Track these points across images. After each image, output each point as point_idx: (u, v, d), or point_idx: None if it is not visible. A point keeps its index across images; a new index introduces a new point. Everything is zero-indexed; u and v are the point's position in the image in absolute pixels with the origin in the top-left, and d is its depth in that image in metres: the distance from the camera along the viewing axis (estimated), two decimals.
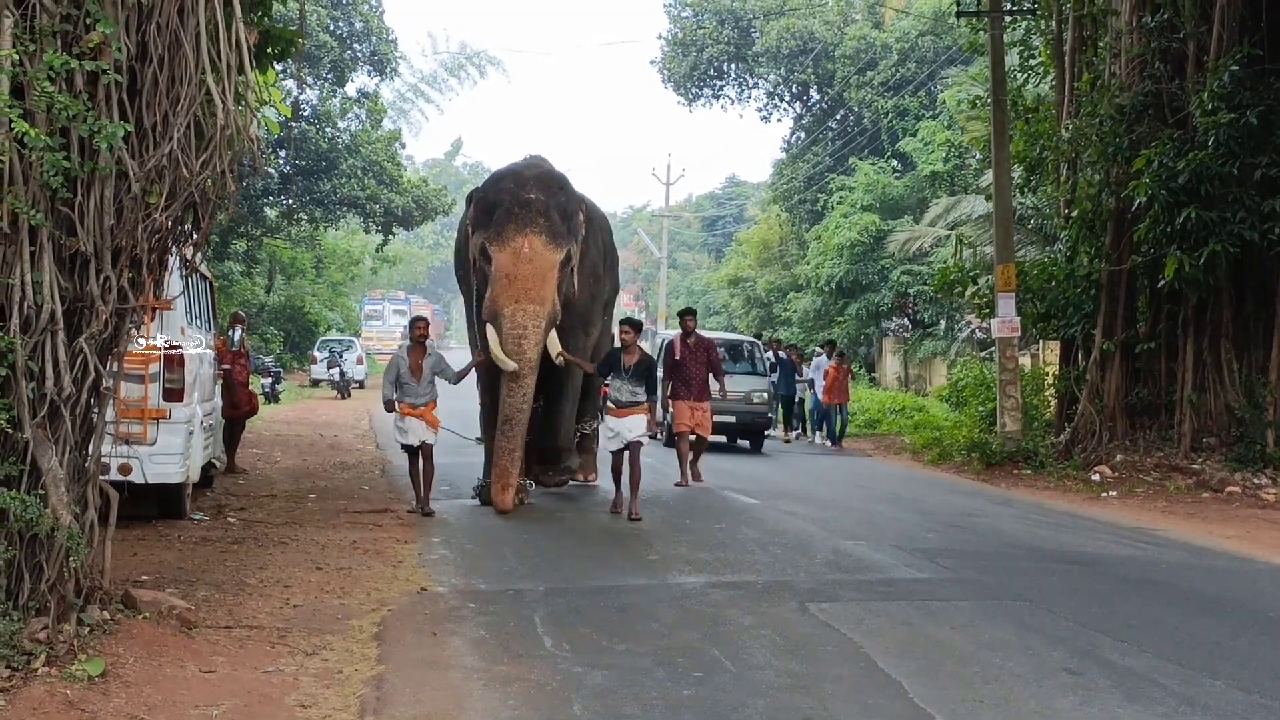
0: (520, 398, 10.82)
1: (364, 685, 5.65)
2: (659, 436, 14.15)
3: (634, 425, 10.85)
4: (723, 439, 18.83)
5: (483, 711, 5.29)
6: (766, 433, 20.35)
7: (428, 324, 11.60)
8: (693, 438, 13.78)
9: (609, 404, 11.25)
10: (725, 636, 6.61)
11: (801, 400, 22.67)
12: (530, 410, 11.02)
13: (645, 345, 13.87)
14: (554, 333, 11.12)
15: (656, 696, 5.50)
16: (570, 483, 12.75)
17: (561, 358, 11.21)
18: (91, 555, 5.93)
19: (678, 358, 13.80)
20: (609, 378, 11.22)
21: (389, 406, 11.12)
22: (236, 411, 13.90)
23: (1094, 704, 5.50)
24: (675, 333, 15.11)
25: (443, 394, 11.40)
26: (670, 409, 14.36)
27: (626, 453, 10.87)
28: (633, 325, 11.37)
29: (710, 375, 13.90)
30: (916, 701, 5.46)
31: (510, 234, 10.87)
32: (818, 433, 22.06)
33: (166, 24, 5.95)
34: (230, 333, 14.29)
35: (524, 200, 10.99)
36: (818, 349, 24.56)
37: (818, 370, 21.50)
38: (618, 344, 11.51)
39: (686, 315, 14.56)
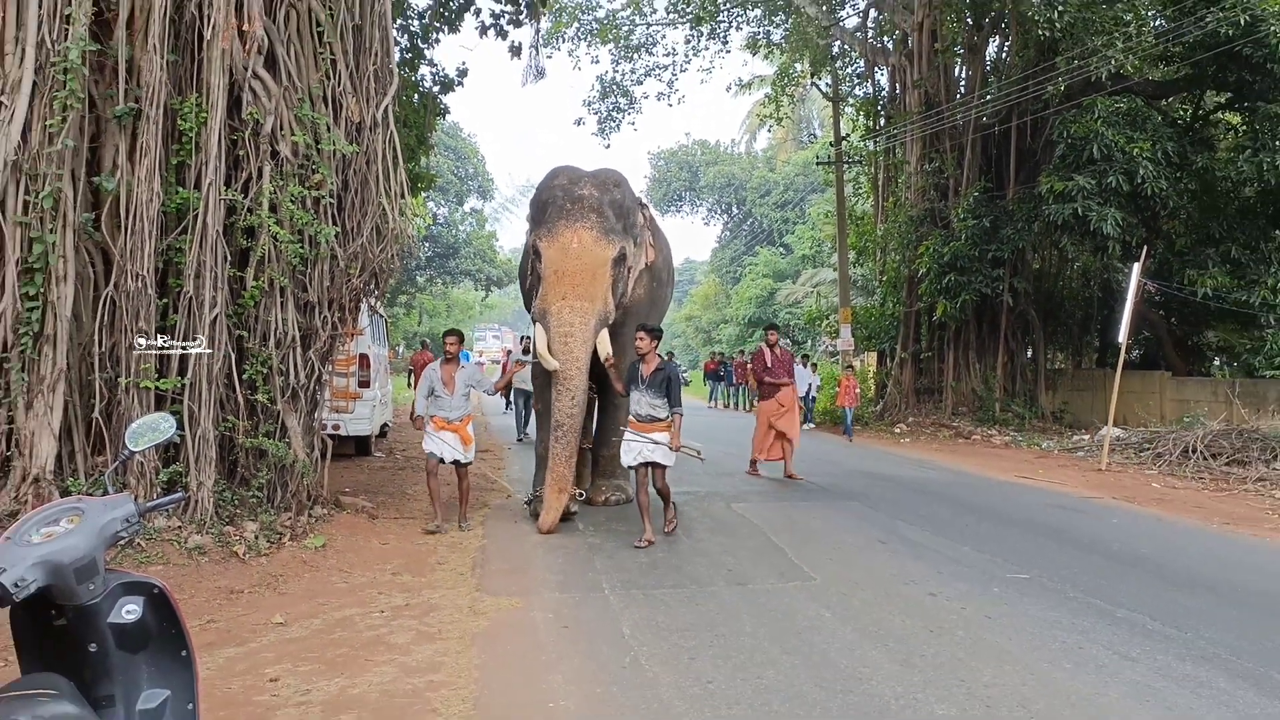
0: (570, 401, 6.24)
1: (475, 550, 5.65)
2: (700, 457, 6.79)
3: (655, 443, 6.02)
4: None
5: (543, 566, 5.29)
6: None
7: (462, 338, 6.63)
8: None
9: (630, 417, 6.19)
10: (682, 523, 6.59)
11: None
12: (583, 414, 6.45)
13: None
14: (604, 333, 6.49)
15: (643, 557, 5.50)
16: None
17: (609, 362, 6.45)
18: (316, 477, 5.96)
19: (769, 364, 9.28)
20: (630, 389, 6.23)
21: (418, 423, 6.44)
22: None
23: (895, 561, 5.52)
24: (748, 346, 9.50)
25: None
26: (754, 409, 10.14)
27: (650, 474, 6.06)
28: (649, 331, 6.17)
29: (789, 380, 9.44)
30: (794, 560, 5.47)
31: (560, 229, 6.50)
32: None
33: (359, 170, 5.99)
34: (423, 351, 14.98)
35: (576, 196, 6.63)
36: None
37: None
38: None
39: (771, 329, 9.67)
